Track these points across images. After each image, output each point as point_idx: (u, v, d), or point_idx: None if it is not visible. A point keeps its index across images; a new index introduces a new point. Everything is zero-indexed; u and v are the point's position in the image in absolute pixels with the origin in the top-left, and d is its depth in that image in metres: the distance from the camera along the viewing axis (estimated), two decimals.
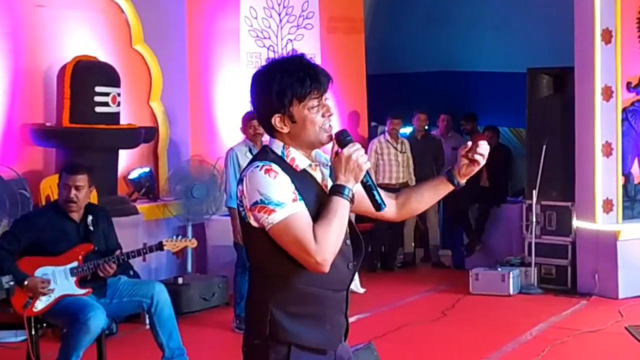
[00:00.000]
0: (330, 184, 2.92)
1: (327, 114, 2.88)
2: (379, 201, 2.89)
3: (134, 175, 9.08)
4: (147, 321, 6.21)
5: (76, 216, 5.95)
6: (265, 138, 3.05)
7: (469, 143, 3.19)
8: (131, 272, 6.99)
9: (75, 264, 5.79)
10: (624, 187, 9.15)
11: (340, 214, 2.76)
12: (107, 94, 8.23)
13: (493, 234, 10.51)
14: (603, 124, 8.97)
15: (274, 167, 2.78)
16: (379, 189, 2.96)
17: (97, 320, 5.60)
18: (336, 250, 2.78)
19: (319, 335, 2.88)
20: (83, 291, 5.80)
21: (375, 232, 10.68)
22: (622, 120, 9.11)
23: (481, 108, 11.57)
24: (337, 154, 2.83)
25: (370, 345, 5.21)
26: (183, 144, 9.49)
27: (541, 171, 9.32)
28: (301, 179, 2.84)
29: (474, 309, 8.55)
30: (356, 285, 9.21)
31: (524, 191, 9.94)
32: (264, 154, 2.89)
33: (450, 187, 3.22)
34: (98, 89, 8.17)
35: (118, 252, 5.86)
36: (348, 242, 2.92)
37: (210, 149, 9.51)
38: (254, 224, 2.80)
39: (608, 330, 7.47)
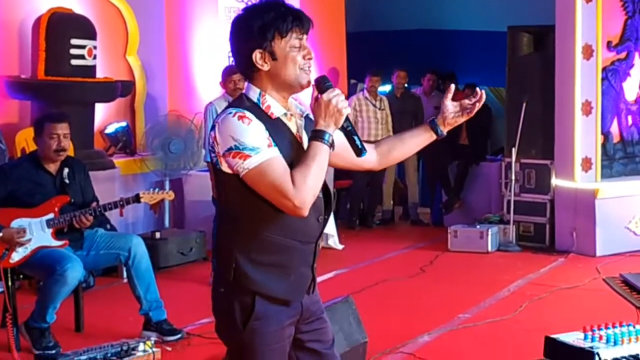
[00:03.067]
0: (304, 135, 2.90)
1: (308, 56, 2.85)
2: (360, 146, 2.85)
3: (110, 129, 9.00)
4: (125, 274, 6.18)
5: (52, 168, 5.90)
6: None
7: (478, 90, 3.20)
8: (108, 227, 6.93)
9: (51, 215, 5.73)
10: (603, 146, 9.16)
11: (320, 158, 2.74)
12: (83, 47, 8.12)
13: (472, 191, 10.52)
14: (583, 82, 8.95)
15: (248, 114, 2.76)
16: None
17: (74, 272, 5.56)
18: (316, 193, 2.76)
19: (283, 285, 2.85)
20: (59, 243, 5.76)
21: (353, 190, 10.69)
22: (602, 79, 9.10)
23: (461, 66, 11.53)
24: (316, 99, 2.79)
25: (348, 299, 5.20)
26: (160, 98, 9.40)
27: (520, 129, 9.31)
28: (275, 127, 2.81)
29: (452, 266, 8.56)
30: (335, 242, 9.23)
31: (503, 149, 9.93)
32: (239, 101, 2.87)
33: (433, 137, 3.21)
34: (74, 41, 8.06)
35: (94, 204, 5.80)
36: (320, 194, 2.87)
37: (188, 104, 9.42)
38: (227, 170, 2.78)
39: (585, 287, 7.49)
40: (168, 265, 7.98)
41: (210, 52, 9.68)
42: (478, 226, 9.30)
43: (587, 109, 8.99)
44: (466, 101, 3.19)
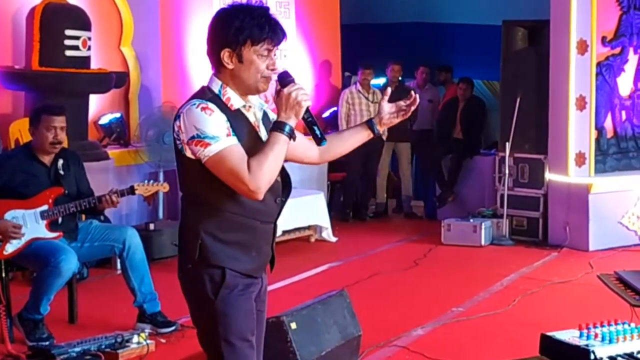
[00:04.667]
0: (262, 126, 3.12)
1: (272, 67, 3.04)
2: (320, 136, 3.04)
3: (104, 120, 8.97)
4: (119, 266, 6.17)
5: (47, 160, 5.89)
6: None
7: (413, 93, 3.45)
8: (102, 218, 6.92)
9: (45, 207, 5.73)
10: (597, 141, 9.18)
11: (277, 147, 2.94)
12: (77, 38, 8.09)
13: (466, 185, 10.52)
14: (577, 77, 8.96)
15: (210, 105, 2.97)
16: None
17: (68, 263, 5.57)
18: (271, 180, 2.96)
19: (246, 260, 3.08)
20: (54, 234, 5.75)
21: (347, 182, 10.70)
22: (597, 74, 9.11)
23: (456, 60, 11.53)
24: (278, 93, 2.99)
25: (342, 293, 5.22)
26: (155, 89, 9.36)
27: (514, 124, 9.32)
28: (235, 118, 3.02)
29: (445, 259, 8.57)
30: (328, 235, 9.24)
31: (497, 143, 9.93)
32: (201, 94, 3.06)
33: (371, 135, 3.42)
34: (68, 32, 8.03)
35: (115, 188, 5.79)
36: (278, 178, 3.09)
37: (182, 95, 9.34)
38: (191, 156, 2.99)
39: (578, 281, 7.52)
40: (162, 256, 7.97)
41: (204, 43, 9.62)
42: (471, 220, 9.31)
43: (581, 104, 9.00)
44: (401, 103, 3.41)
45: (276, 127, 2.96)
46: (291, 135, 2.96)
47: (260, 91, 3.07)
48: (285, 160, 3.05)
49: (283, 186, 3.17)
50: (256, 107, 3.13)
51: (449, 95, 11.28)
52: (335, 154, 3.44)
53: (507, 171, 9.38)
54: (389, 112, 3.40)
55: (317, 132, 3.03)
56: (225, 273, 3.03)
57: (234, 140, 2.94)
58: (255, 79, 3.02)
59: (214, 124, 2.93)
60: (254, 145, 2.99)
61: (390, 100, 10.74)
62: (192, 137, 2.93)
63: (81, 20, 8.22)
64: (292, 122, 2.97)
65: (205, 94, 3.04)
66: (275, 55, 3.06)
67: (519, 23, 9.77)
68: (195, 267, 3.05)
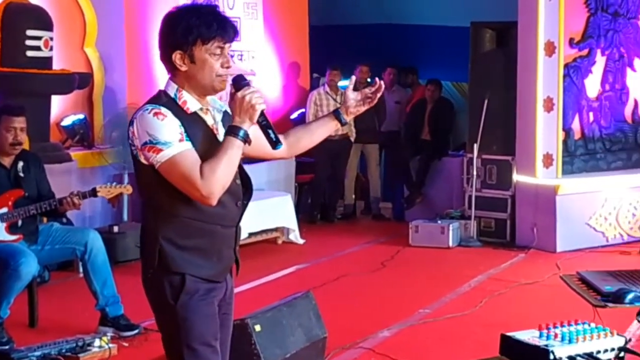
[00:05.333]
0: (220, 128, 3.07)
1: (226, 64, 3.01)
2: (275, 139, 3.00)
3: (67, 122, 8.85)
4: (81, 269, 6.07)
5: (7, 162, 5.83)
6: None
7: (377, 80, 3.37)
8: (64, 220, 6.81)
9: (5, 209, 5.67)
10: (564, 142, 9.20)
11: (231, 152, 2.90)
12: (39, 38, 7.98)
13: (434, 187, 10.50)
14: (545, 79, 8.97)
15: (163, 110, 2.92)
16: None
17: (28, 267, 5.51)
18: (225, 185, 2.93)
19: (207, 266, 3.04)
20: (14, 237, 5.70)
21: (315, 184, 10.66)
22: (564, 76, 9.12)
23: (424, 62, 11.54)
24: (232, 96, 2.95)
25: (308, 295, 5.18)
26: (119, 90, 9.25)
27: (482, 125, 9.31)
28: (191, 121, 2.98)
29: (413, 261, 8.55)
30: (296, 236, 9.19)
31: (465, 145, 9.93)
32: (156, 98, 3.02)
33: (338, 125, 3.43)
34: (30, 32, 7.92)
35: (76, 191, 5.69)
36: (238, 181, 3.09)
37: (148, 96, 9.20)
38: (144, 162, 2.96)
39: (545, 282, 7.50)
40: (126, 259, 7.87)
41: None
42: (439, 221, 9.29)
43: (549, 105, 9.01)
44: (366, 90, 3.36)
45: (230, 131, 2.93)
46: (246, 140, 2.93)
47: (217, 90, 3.04)
48: (252, 159, 3.06)
49: (244, 189, 3.14)
50: (215, 109, 3.10)
51: (416, 97, 11.27)
52: (304, 146, 3.41)
53: (474, 172, 9.38)
54: (354, 100, 3.36)
55: (272, 135, 3.00)
56: (185, 279, 2.99)
57: (187, 145, 2.91)
58: (211, 79, 2.99)
59: (166, 130, 2.89)
60: (210, 149, 2.95)
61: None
62: (145, 143, 2.91)
63: (43, 20, 8.11)
64: (246, 126, 2.92)
65: (161, 98, 3.00)
66: (228, 53, 3.02)
67: (487, 25, 9.79)
68: (156, 273, 3.02)
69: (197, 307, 3.01)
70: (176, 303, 2.99)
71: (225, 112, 3.14)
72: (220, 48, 2.98)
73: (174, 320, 3.01)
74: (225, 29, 2.98)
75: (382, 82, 3.36)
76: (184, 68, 2.98)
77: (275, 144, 3.01)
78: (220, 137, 3.03)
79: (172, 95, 3.00)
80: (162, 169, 2.91)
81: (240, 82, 2.93)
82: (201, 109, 3.03)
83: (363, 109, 3.39)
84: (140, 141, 2.92)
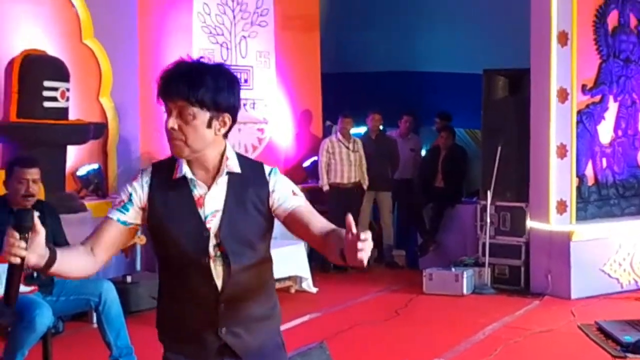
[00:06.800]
0: (212, 199, 2.85)
1: (169, 125, 2.79)
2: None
3: (82, 171, 8.90)
4: (95, 319, 6.07)
5: None
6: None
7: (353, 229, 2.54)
8: None
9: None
10: (578, 188, 9.18)
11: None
12: (56, 89, 8.07)
13: (447, 234, 10.49)
14: (558, 125, 8.99)
15: (141, 174, 2.90)
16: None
17: (43, 318, 5.47)
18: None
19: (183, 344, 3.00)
20: (29, 288, 5.67)
21: None
22: (577, 122, 9.14)
23: (436, 109, 11.56)
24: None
25: (322, 345, 5.16)
26: (133, 140, 9.34)
27: (496, 172, 9.32)
28: (173, 188, 2.86)
29: (427, 309, 8.51)
30: (308, 285, 9.16)
31: (479, 192, 9.93)
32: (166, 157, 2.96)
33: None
34: (47, 83, 8.01)
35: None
36: (207, 260, 2.86)
37: (161, 146, 9.33)
38: None
39: (560, 330, 7.46)
40: (139, 309, 7.87)
41: None
42: (453, 269, 9.26)
43: (562, 151, 9.02)
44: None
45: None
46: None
47: (173, 154, 2.85)
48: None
49: (227, 271, 2.87)
50: (222, 175, 2.87)
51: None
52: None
53: (488, 219, 9.36)
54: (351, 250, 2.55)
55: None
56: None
57: (112, 213, 2.88)
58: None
59: (120, 192, 2.92)
60: (185, 221, 2.84)
61: (370, 150, 10.59)
62: None
63: (60, 72, 8.20)
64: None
65: (169, 157, 2.91)
66: (175, 113, 2.77)
67: (500, 72, 9.84)
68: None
69: None
70: None
71: (229, 174, 2.87)
72: (167, 107, 2.81)
73: None
74: (162, 87, 2.81)
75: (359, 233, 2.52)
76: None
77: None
78: (205, 210, 2.84)
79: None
80: None
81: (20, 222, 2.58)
82: (193, 177, 2.85)
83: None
84: None
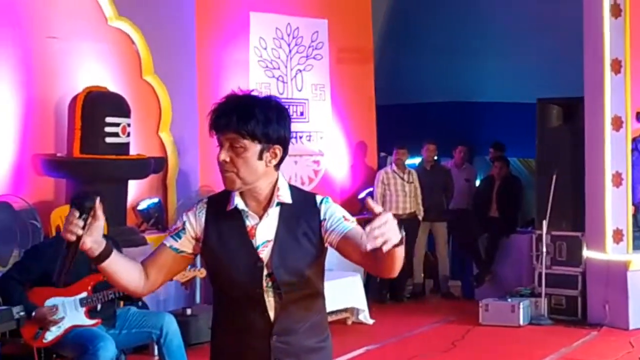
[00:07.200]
0: (263, 229, 2.89)
1: (221, 157, 2.87)
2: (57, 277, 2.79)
3: (143, 205, 9.07)
4: (156, 352, 6.20)
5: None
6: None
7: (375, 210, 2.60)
8: (140, 303, 6.98)
9: (84, 294, 5.80)
10: (634, 217, 9.15)
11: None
12: (117, 125, 8.25)
13: (503, 264, 10.46)
14: (613, 154, 8.97)
15: (198, 205, 2.98)
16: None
17: (106, 351, 5.60)
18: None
19: None
20: (92, 322, 5.82)
21: None
22: (632, 150, 9.14)
23: (490, 138, 11.57)
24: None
25: None
26: (192, 174, 9.50)
27: (551, 201, 9.31)
28: (227, 219, 2.91)
29: (484, 340, 8.51)
30: (365, 317, 9.19)
31: (534, 221, 9.92)
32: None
33: None
34: (108, 119, 8.20)
35: None
36: (260, 290, 2.89)
37: (219, 179, 9.45)
38: None
39: None
40: (199, 341, 7.95)
41: None
42: (509, 299, 9.24)
43: (618, 180, 8.99)
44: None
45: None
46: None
47: (225, 187, 2.92)
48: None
49: (282, 301, 2.90)
50: (273, 206, 2.90)
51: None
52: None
53: (544, 249, 9.34)
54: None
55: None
56: None
57: (167, 240, 2.97)
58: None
59: (175, 221, 2.99)
60: (238, 252, 2.89)
61: (425, 180, 10.56)
62: None
63: (121, 108, 8.39)
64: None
65: (222, 191, 2.98)
66: (226, 144, 2.84)
67: (554, 101, 9.84)
68: None
69: None
70: None
71: (280, 205, 2.91)
72: (219, 139, 2.89)
73: None
74: (215, 120, 2.90)
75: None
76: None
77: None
78: (257, 240, 2.89)
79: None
80: None
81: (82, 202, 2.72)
82: (245, 208, 2.89)
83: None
84: None
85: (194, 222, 2.93)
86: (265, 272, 2.87)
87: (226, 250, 2.89)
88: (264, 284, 2.87)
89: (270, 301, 2.89)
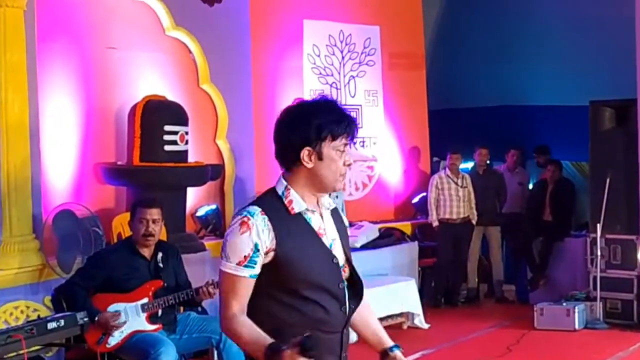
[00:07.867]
0: (328, 229, 3.03)
1: (348, 162, 2.99)
2: None
3: (201, 212, 9.19)
4: (216, 357, 6.30)
5: (147, 253, 6.08)
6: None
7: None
8: (199, 309, 7.10)
9: (145, 300, 5.92)
10: None
11: (253, 347, 2.84)
12: (175, 133, 8.34)
13: (557, 268, 10.44)
14: None
15: (252, 220, 2.89)
16: None
17: (168, 356, 5.70)
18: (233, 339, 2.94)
19: None
20: (154, 327, 5.93)
21: (438, 268, 10.70)
22: None
23: (543, 142, 11.55)
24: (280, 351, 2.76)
25: None
26: (249, 180, 9.61)
27: (605, 204, 9.28)
28: (293, 223, 2.94)
29: (539, 345, 8.50)
30: (420, 321, 9.24)
31: (588, 225, 9.88)
32: (261, 198, 3.03)
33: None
34: (167, 127, 8.29)
35: (211, 280, 5.92)
36: (341, 285, 3.01)
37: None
38: None
39: None
40: None
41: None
42: (564, 303, 9.22)
43: None
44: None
45: (271, 348, 2.77)
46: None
47: (336, 189, 3.00)
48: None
49: (354, 293, 3.07)
50: (323, 208, 3.05)
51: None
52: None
53: (599, 253, 9.31)
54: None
55: None
56: None
57: (242, 271, 2.89)
58: (334, 177, 2.96)
59: (236, 247, 2.88)
60: (314, 251, 2.95)
61: (478, 185, 10.62)
62: (222, 249, 2.96)
63: (179, 116, 8.48)
64: None
65: (265, 197, 3.00)
66: (348, 149, 3.00)
67: (606, 103, 9.80)
68: None
69: None
70: None
71: (334, 210, 3.10)
72: (345, 145, 2.95)
73: None
74: (351, 127, 2.97)
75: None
76: (309, 165, 2.92)
77: None
78: (327, 239, 3.00)
79: (280, 193, 2.96)
80: (220, 274, 2.95)
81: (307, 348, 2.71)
82: (307, 210, 2.98)
83: None
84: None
85: (263, 238, 2.90)
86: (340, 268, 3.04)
87: (304, 253, 2.92)
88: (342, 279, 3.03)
89: (346, 295, 3.03)
